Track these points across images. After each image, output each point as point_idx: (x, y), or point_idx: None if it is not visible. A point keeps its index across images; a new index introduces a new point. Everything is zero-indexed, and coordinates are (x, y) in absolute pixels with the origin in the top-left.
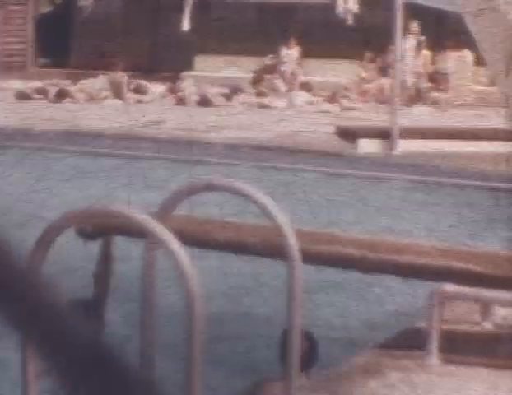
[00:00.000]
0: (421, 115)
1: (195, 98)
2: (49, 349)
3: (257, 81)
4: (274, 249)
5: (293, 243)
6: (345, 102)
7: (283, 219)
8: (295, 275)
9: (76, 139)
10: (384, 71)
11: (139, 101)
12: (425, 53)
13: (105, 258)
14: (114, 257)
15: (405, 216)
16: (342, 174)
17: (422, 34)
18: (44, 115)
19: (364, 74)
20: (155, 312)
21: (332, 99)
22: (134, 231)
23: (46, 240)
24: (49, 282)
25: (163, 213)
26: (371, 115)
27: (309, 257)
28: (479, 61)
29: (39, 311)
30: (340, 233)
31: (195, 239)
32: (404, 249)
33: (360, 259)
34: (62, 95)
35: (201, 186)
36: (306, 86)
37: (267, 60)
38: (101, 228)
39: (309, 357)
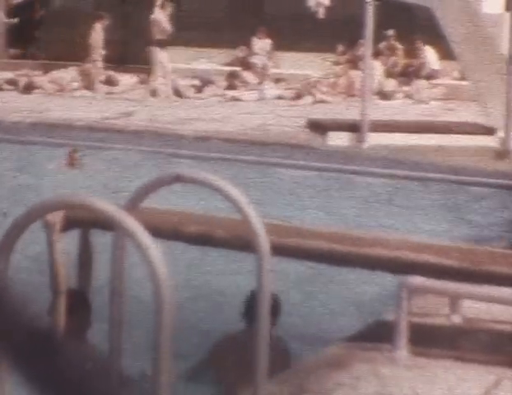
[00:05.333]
0: (391, 108)
1: (165, 90)
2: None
3: (233, 74)
4: (243, 242)
5: (262, 236)
6: (316, 95)
7: (252, 212)
8: (264, 268)
9: (45, 130)
10: (354, 64)
11: (110, 93)
12: (398, 46)
13: (84, 250)
14: (91, 248)
15: (372, 210)
16: (310, 166)
17: (392, 28)
18: (14, 106)
19: (335, 67)
20: (125, 304)
21: (302, 92)
22: (103, 223)
23: (14, 233)
24: (9, 281)
25: (132, 205)
26: (341, 108)
27: (278, 250)
28: (450, 55)
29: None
30: (308, 226)
31: (164, 232)
32: (373, 242)
33: (329, 252)
34: (31, 86)
35: (170, 178)
36: (277, 79)
37: (238, 52)
38: (71, 220)
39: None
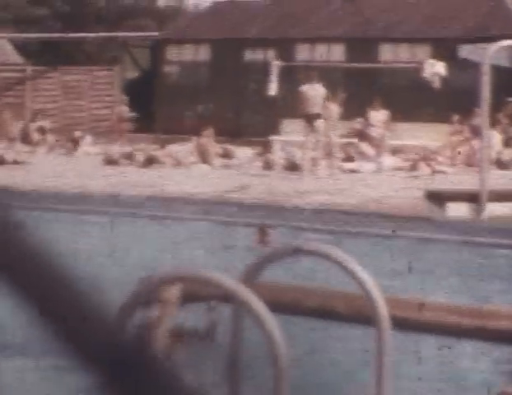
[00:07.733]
0: (510, 178)
1: (282, 162)
2: None
3: (350, 146)
4: (362, 316)
5: (382, 310)
6: (434, 165)
7: (372, 285)
8: (385, 342)
9: (163, 204)
10: (474, 134)
11: (226, 166)
12: None
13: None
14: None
15: (495, 282)
16: (431, 238)
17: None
18: (132, 180)
19: (453, 137)
20: (242, 379)
21: (420, 162)
22: (221, 297)
23: (133, 303)
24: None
25: (249, 278)
26: (459, 178)
27: (398, 324)
28: None
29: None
30: (427, 299)
31: (283, 306)
32: (499, 316)
33: (453, 326)
34: (150, 161)
35: (288, 251)
36: (394, 150)
37: (355, 124)
38: (188, 293)
39: None
